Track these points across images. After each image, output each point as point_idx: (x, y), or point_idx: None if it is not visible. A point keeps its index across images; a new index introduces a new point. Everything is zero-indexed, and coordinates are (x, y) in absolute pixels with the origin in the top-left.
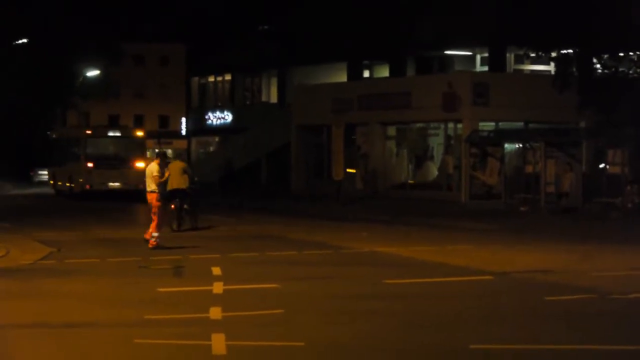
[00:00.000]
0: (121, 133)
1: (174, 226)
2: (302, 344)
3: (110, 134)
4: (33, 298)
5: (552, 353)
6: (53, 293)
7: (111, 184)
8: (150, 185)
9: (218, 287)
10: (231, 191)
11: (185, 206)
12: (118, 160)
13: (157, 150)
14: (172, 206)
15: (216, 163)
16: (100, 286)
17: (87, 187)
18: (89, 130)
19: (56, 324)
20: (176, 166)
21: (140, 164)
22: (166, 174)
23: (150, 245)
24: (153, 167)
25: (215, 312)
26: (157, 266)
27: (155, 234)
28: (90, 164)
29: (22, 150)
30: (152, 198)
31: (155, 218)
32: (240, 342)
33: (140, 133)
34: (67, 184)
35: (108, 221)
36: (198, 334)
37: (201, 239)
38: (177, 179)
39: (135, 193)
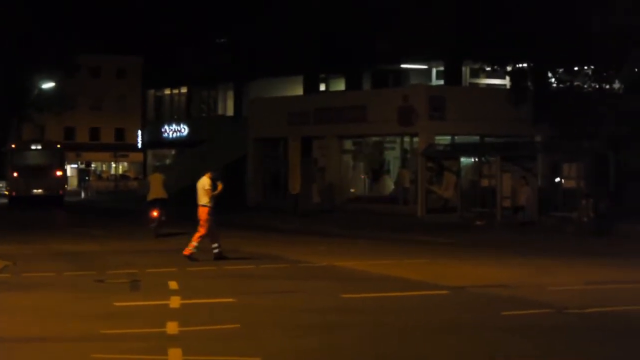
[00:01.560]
0: (42, 146)
1: (153, 230)
2: (259, 358)
3: (33, 147)
4: None
5: None
6: (8, 307)
7: (35, 190)
8: (203, 199)
9: (175, 302)
10: (187, 204)
11: (163, 214)
12: (40, 170)
13: (156, 164)
14: (154, 214)
15: (173, 176)
16: (56, 300)
17: (14, 193)
18: (13, 144)
19: (11, 338)
20: (157, 178)
21: (59, 172)
22: (219, 188)
23: (186, 253)
24: (205, 181)
25: (172, 327)
26: (113, 280)
27: (195, 244)
28: (15, 174)
29: None
30: (204, 211)
31: (201, 230)
32: (197, 357)
33: (58, 146)
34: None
35: (65, 234)
36: (155, 348)
37: (158, 253)
38: (158, 190)
39: (55, 198)
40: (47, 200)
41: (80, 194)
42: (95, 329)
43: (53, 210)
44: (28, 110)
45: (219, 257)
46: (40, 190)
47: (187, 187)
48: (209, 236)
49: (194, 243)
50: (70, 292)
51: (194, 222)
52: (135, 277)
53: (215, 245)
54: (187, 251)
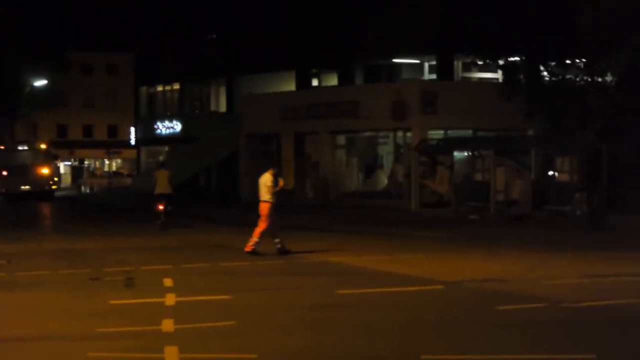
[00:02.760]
0: (28, 147)
1: (160, 223)
2: (255, 355)
3: (19, 148)
4: None
5: None
6: (3, 306)
7: (22, 187)
8: (264, 195)
9: (170, 299)
10: (181, 200)
11: (168, 208)
12: (26, 169)
13: (160, 160)
14: (160, 207)
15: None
16: (51, 299)
17: (3, 190)
18: (2, 146)
19: (7, 337)
20: (162, 174)
21: (44, 170)
22: (280, 183)
23: (247, 249)
24: (267, 178)
25: (167, 325)
26: (108, 278)
27: (257, 239)
28: (4, 172)
29: None
30: (265, 207)
31: (262, 225)
32: (193, 355)
33: (43, 146)
34: None
35: (59, 232)
36: (151, 346)
37: (153, 250)
38: (164, 185)
39: (43, 193)
40: (35, 195)
41: (73, 191)
42: (91, 327)
43: (47, 208)
44: (20, 108)
45: (283, 251)
46: (27, 187)
47: (180, 183)
48: (270, 231)
49: (255, 239)
50: (65, 290)
51: (192, 219)
52: (130, 274)
53: (277, 240)
54: (249, 247)
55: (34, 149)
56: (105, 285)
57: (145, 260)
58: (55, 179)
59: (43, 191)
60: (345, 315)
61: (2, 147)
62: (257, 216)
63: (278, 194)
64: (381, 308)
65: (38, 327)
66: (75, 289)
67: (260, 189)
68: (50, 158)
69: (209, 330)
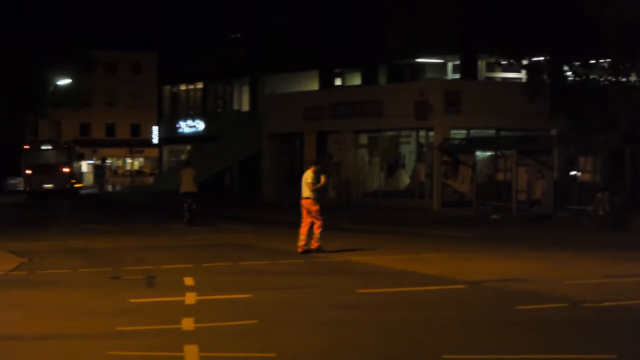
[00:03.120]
0: (51, 146)
1: (185, 221)
2: (275, 354)
3: (43, 147)
4: (4, 310)
5: None
6: (24, 305)
7: (45, 185)
8: (305, 192)
9: (191, 298)
10: (204, 199)
11: (193, 206)
12: (50, 167)
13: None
14: (186, 205)
15: None
16: (71, 297)
17: (28, 189)
18: (27, 145)
19: (28, 336)
20: (188, 173)
21: (66, 169)
22: (322, 180)
23: (313, 247)
24: (308, 175)
25: (187, 323)
26: (128, 276)
27: (318, 235)
28: (29, 171)
29: None
30: (308, 203)
31: (317, 222)
32: (213, 354)
33: (66, 145)
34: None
35: (80, 231)
36: (171, 345)
37: (173, 249)
38: (189, 184)
39: (65, 191)
40: (57, 193)
41: (95, 190)
42: (111, 325)
43: (68, 207)
44: (44, 107)
45: (307, 251)
46: (50, 185)
47: (202, 182)
48: (305, 229)
49: (317, 235)
50: (86, 289)
51: (213, 217)
52: (150, 273)
53: (303, 237)
54: (314, 245)
55: (57, 148)
56: (125, 284)
57: (166, 259)
58: (73, 180)
59: (65, 189)
60: (365, 314)
61: (27, 147)
62: (308, 213)
63: (319, 191)
64: (402, 307)
65: (58, 326)
66: (96, 288)
67: (303, 186)
68: (73, 157)
69: (229, 329)
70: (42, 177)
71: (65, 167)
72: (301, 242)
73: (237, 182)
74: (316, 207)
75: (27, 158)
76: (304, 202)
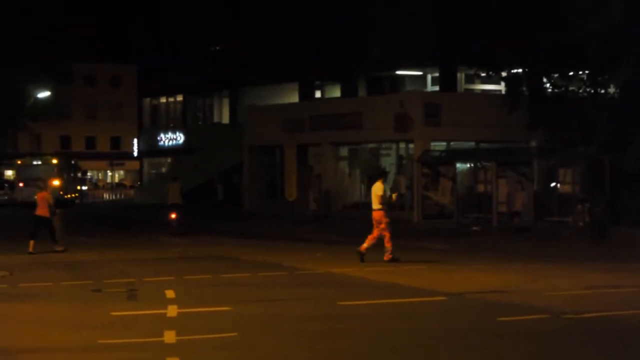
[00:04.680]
0: (41, 162)
1: (171, 230)
2: None
3: (34, 162)
4: None
5: None
6: (5, 317)
7: (36, 196)
8: (376, 204)
9: (172, 310)
10: (184, 212)
11: (179, 215)
12: (40, 181)
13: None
14: (173, 215)
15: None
16: (53, 311)
17: (19, 200)
18: (19, 161)
19: (9, 349)
20: (175, 186)
21: (55, 182)
22: (393, 197)
23: (386, 258)
24: (378, 187)
25: (169, 336)
26: (110, 289)
27: (389, 247)
28: (21, 184)
29: None
30: (380, 215)
31: (387, 234)
32: None
33: (54, 161)
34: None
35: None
36: (153, 358)
37: (155, 262)
38: (176, 196)
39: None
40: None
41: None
42: (93, 339)
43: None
44: (23, 120)
45: (362, 258)
46: None
47: (183, 195)
48: (376, 239)
49: (388, 247)
50: (67, 302)
51: (194, 229)
52: (132, 286)
53: (366, 246)
54: (387, 257)
55: (46, 163)
56: (107, 297)
57: (148, 271)
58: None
59: (57, 200)
60: (347, 326)
61: (19, 162)
62: (371, 225)
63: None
64: (384, 319)
65: (39, 339)
66: (77, 301)
67: (373, 199)
68: (65, 170)
69: (211, 341)
70: (34, 189)
71: (54, 180)
72: (365, 244)
73: (218, 195)
74: (387, 220)
75: (20, 172)
76: (375, 214)
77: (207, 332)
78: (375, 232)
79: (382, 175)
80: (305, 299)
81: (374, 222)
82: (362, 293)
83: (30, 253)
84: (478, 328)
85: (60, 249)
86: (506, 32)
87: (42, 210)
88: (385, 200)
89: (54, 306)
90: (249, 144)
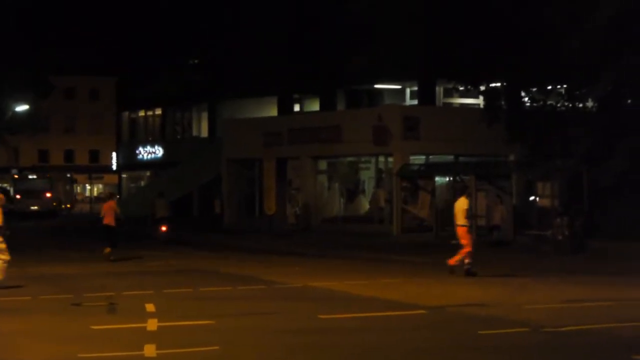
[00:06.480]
0: (36, 176)
1: (162, 240)
2: None
3: (30, 176)
4: None
5: None
6: None
7: (32, 207)
8: (461, 220)
9: (152, 324)
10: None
11: (169, 226)
12: (35, 192)
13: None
14: (163, 228)
15: (148, 197)
16: (32, 324)
17: (15, 210)
18: (16, 175)
19: None
20: (161, 203)
21: (48, 194)
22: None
23: (450, 263)
24: (463, 202)
25: (149, 350)
26: (90, 303)
27: (468, 260)
28: (18, 196)
29: None
30: (463, 231)
31: (467, 248)
32: None
33: (48, 175)
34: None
35: (42, 257)
36: None
37: (134, 275)
38: (163, 210)
39: (48, 212)
40: (42, 214)
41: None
42: (73, 352)
43: (30, 233)
44: (1, 133)
45: (471, 273)
46: (36, 207)
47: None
48: (469, 253)
49: (466, 260)
50: (47, 315)
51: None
52: (112, 299)
53: (468, 261)
54: (465, 269)
55: (40, 177)
56: (86, 311)
57: (127, 285)
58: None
59: (47, 210)
60: (329, 339)
61: (16, 176)
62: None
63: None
64: (365, 332)
65: (19, 353)
66: (57, 314)
67: (457, 214)
68: (57, 184)
69: (192, 355)
70: (30, 200)
71: (47, 192)
72: (467, 260)
73: (197, 208)
74: (470, 236)
75: (17, 185)
76: (459, 230)
77: (187, 345)
78: (468, 246)
79: (464, 190)
80: (286, 312)
81: (459, 238)
82: (343, 306)
83: (112, 261)
84: (459, 341)
85: (112, 258)
86: (485, 47)
87: (108, 219)
88: (470, 215)
89: (33, 320)
90: (227, 157)
